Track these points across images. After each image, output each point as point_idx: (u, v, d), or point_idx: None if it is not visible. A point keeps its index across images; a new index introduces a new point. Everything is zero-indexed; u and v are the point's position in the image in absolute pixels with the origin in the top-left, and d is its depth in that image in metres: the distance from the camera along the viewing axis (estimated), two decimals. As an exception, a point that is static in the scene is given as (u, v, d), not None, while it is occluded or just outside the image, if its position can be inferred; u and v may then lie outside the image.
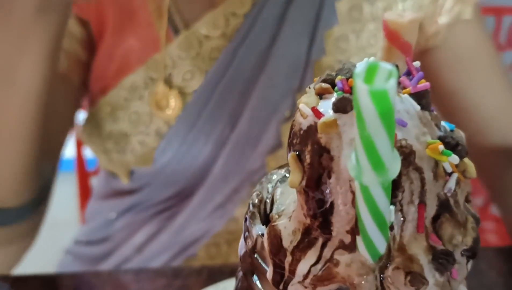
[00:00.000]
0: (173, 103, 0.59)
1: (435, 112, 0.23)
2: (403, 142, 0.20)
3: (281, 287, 0.22)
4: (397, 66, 0.20)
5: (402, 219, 0.21)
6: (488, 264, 0.53)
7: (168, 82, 0.60)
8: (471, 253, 0.22)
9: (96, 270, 0.58)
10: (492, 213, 1.02)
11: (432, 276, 0.21)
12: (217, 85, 0.59)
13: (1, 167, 0.51)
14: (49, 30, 0.47)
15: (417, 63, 0.23)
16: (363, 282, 0.20)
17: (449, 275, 0.22)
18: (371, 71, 0.16)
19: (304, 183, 0.21)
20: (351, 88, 0.21)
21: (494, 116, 0.61)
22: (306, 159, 0.21)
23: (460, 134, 0.23)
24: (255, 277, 0.24)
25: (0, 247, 0.56)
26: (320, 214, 0.21)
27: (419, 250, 0.21)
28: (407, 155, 0.20)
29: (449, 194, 0.21)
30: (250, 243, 0.24)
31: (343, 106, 0.20)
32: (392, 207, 0.19)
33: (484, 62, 0.64)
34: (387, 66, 0.16)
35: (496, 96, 0.62)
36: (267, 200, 0.25)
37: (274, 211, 0.24)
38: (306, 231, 0.22)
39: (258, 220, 0.24)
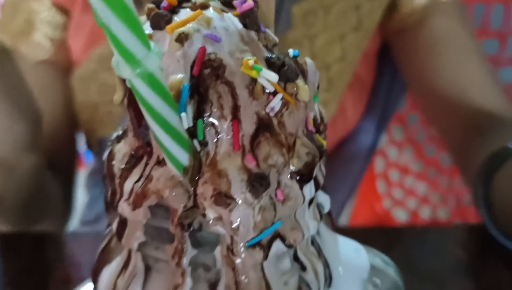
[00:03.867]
0: None
1: (268, 34, 0.22)
2: (212, 56, 0.20)
3: (115, 207, 0.23)
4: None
5: (215, 135, 0.21)
6: (455, 242, 0.51)
7: None
8: (300, 176, 0.22)
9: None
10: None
11: (241, 193, 0.20)
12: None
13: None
14: None
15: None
16: (173, 193, 0.20)
17: (275, 197, 0.21)
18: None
19: (126, 101, 0.21)
20: (170, 5, 0.21)
21: (467, 90, 0.60)
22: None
23: (304, 61, 0.23)
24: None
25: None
26: (141, 132, 0.21)
27: (231, 167, 0.20)
28: (215, 68, 0.20)
29: (272, 114, 0.21)
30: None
31: (157, 22, 0.21)
32: (183, 114, 0.19)
33: (460, 43, 0.63)
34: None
35: (469, 73, 0.61)
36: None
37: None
38: (135, 153, 0.22)
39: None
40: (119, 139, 0.24)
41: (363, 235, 0.48)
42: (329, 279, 0.26)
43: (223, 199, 0.20)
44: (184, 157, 0.20)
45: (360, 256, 0.26)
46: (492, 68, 0.62)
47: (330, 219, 0.27)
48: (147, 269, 0.24)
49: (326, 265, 0.25)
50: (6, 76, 0.47)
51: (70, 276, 0.47)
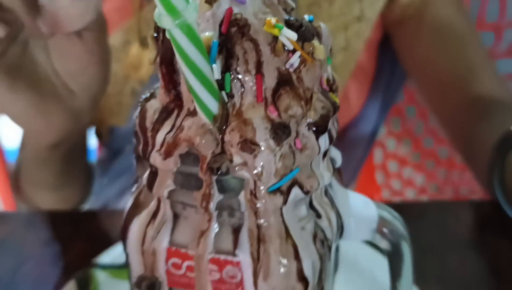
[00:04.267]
0: (147, 63, 0.63)
1: (290, 2, 0.25)
2: (238, 16, 0.22)
3: (147, 159, 0.25)
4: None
5: (241, 88, 0.23)
6: (456, 217, 0.53)
7: (144, 44, 0.63)
8: (317, 127, 0.24)
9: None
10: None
11: (265, 140, 0.22)
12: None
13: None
14: None
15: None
16: (203, 141, 0.23)
17: (294, 146, 0.24)
18: None
19: (158, 59, 0.24)
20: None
21: (468, 77, 0.62)
22: (160, 38, 0.24)
23: (319, 25, 0.25)
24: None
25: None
26: (172, 86, 0.24)
27: (256, 116, 0.23)
28: (240, 27, 0.22)
29: (291, 70, 0.23)
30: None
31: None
32: (214, 65, 0.21)
33: (459, 31, 0.65)
34: None
35: (469, 59, 0.63)
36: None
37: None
38: (166, 106, 0.24)
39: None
40: (147, 99, 0.26)
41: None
42: (340, 228, 0.28)
43: (249, 145, 0.22)
44: (214, 106, 0.22)
45: (369, 208, 0.28)
46: (489, 56, 0.65)
47: (340, 175, 0.29)
48: (175, 217, 0.26)
49: (338, 215, 0.27)
50: None
51: (88, 249, 0.49)
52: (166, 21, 0.19)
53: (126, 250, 0.27)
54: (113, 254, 0.45)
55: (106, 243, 0.46)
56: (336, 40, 0.63)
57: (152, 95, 0.26)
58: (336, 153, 0.28)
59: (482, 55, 0.63)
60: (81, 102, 0.43)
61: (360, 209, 0.28)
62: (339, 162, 0.28)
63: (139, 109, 0.26)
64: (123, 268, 0.44)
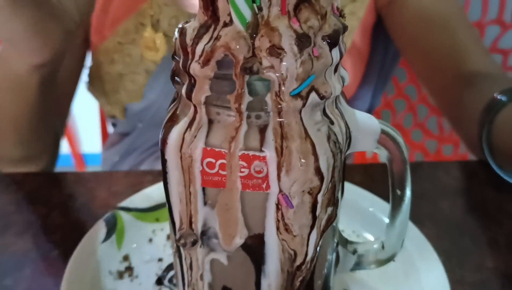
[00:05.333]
0: (160, 45, 0.68)
1: None
2: None
3: (187, 71, 0.29)
4: None
5: (268, 1, 0.28)
6: (447, 171, 0.58)
7: (156, 27, 0.68)
8: (330, 39, 0.29)
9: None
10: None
11: (289, 45, 0.27)
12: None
13: (20, 121, 0.60)
14: None
15: None
16: (237, 46, 0.27)
17: (312, 54, 0.28)
18: None
19: (198, -18, 0.28)
20: None
21: (457, 50, 0.68)
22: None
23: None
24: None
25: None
26: (210, 3, 0.28)
27: (281, 25, 0.27)
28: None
29: (309, -9, 0.28)
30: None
31: None
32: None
33: (446, 8, 0.70)
34: None
35: (458, 34, 0.69)
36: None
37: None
38: (203, 24, 0.29)
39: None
40: (184, 24, 0.31)
41: (364, 170, 0.55)
42: (349, 138, 0.32)
43: (275, 50, 0.27)
44: (248, 13, 0.27)
45: (372, 122, 0.33)
46: (477, 31, 0.70)
47: (345, 97, 0.34)
48: (210, 122, 0.30)
49: (347, 126, 0.32)
50: None
51: (109, 203, 0.53)
52: None
53: (165, 156, 0.32)
54: (134, 201, 0.49)
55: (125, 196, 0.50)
56: None
57: (187, 22, 0.31)
58: (344, 73, 0.32)
59: (470, 33, 0.69)
60: (72, 19, 0.47)
61: (365, 122, 0.33)
62: (347, 80, 0.32)
63: (178, 30, 0.30)
64: (145, 211, 0.48)
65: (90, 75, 0.76)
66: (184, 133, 0.31)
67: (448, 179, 0.55)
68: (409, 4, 0.70)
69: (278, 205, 0.30)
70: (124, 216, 0.47)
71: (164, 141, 0.32)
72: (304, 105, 0.29)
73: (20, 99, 0.57)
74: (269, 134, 0.29)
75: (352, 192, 0.49)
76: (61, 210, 0.51)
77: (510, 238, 0.47)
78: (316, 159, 0.30)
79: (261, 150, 0.29)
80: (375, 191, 0.49)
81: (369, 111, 0.83)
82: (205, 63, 0.28)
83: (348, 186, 0.50)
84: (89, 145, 1.64)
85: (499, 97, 0.56)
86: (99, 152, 0.89)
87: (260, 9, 0.28)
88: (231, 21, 0.28)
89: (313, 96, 0.29)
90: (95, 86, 0.76)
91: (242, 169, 0.30)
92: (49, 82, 0.57)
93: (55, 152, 0.71)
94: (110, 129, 0.97)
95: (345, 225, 0.49)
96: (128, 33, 0.69)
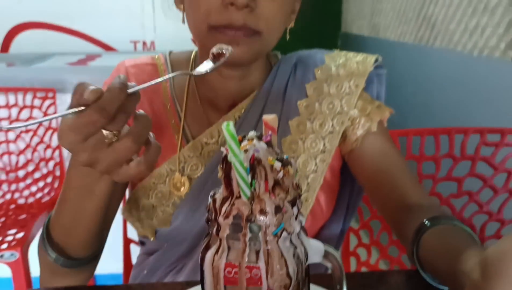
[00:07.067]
0: (184, 185, 0.95)
1: (278, 151, 0.57)
2: (257, 156, 0.54)
3: (215, 221, 0.55)
4: (270, 135, 0.55)
5: (259, 186, 0.54)
6: (395, 281, 0.81)
7: (181, 172, 0.96)
8: (291, 202, 0.55)
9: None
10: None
11: (270, 208, 0.53)
12: (212, 173, 0.94)
13: (82, 233, 0.84)
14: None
15: (269, 134, 0.58)
16: (244, 208, 0.53)
17: (282, 211, 0.54)
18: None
19: (223, 175, 0.55)
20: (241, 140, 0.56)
21: (398, 182, 0.94)
22: (224, 164, 0.55)
23: (290, 161, 0.57)
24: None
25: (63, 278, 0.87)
26: (229, 185, 0.55)
27: (265, 197, 0.54)
28: (258, 161, 0.54)
29: (279, 178, 0.55)
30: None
31: (235, 145, 0.55)
32: (248, 176, 0.53)
33: (388, 152, 0.99)
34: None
35: (397, 170, 0.96)
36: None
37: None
38: (225, 197, 0.55)
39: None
40: (214, 194, 0.57)
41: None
42: (306, 255, 0.57)
43: (263, 211, 0.53)
44: (248, 192, 0.53)
45: (320, 245, 0.58)
46: (409, 166, 0.96)
47: (305, 231, 0.60)
48: (229, 248, 0.55)
49: (305, 248, 0.57)
50: None
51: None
52: (231, 158, 0.51)
53: (203, 268, 0.56)
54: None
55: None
56: (309, 165, 0.96)
57: (215, 193, 0.58)
58: (302, 219, 0.58)
59: (407, 173, 0.96)
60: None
61: (315, 246, 0.58)
62: (303, 222, 0.58)
63: (211, 199, 0.56)
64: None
65: (128, 205, 1.02)
66: (214, 255, 0.56)
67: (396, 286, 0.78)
68: (364, 155, 0.98)
69: (267, 295, 0.54)
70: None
71: (202, 260, 0.57)
72: (279, 238, 0.54)
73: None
74: (261, 255, 0.54)
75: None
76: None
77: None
78: (287, 268, 0.54)
79: (256, 263, 0.54)
80: None
81: (342, 231, 1.08)
82: (227, 217, 0.54)
83: (313, 287, 0.73)
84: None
85: (425, 222, 0.82)
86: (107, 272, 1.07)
87: (254, 189, 0.54)
88: (239, 195, 0.54)
89: (284, 233, 0.55)
90: (132, 214, 1.02)
91: (247, 274, 0.54)
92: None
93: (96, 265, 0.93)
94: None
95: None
96: (161, 176, 0.96)
